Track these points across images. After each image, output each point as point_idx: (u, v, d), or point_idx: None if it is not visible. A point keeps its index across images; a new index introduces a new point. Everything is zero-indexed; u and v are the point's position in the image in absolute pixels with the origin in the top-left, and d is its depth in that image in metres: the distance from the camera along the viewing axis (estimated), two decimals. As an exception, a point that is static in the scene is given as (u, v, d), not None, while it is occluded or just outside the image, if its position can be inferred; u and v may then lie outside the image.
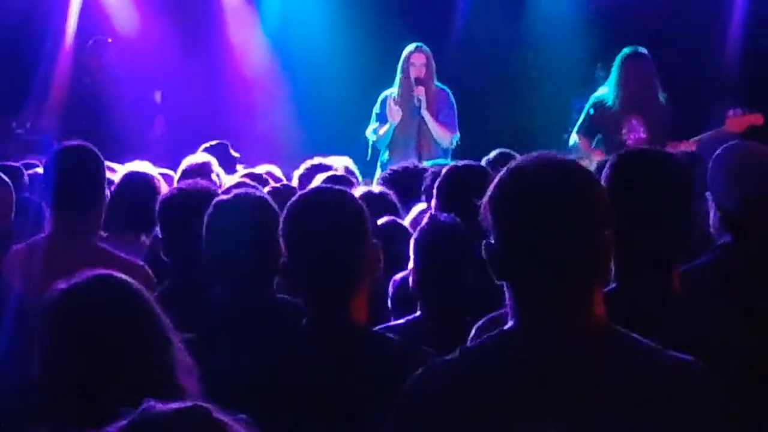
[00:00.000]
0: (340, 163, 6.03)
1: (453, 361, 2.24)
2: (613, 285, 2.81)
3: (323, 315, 2.85)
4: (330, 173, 5.33)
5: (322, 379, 2.78)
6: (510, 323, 2.24)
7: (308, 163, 5.93)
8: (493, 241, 2.23)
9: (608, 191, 2.82)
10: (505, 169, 2.25)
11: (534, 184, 2.19)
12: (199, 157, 5.43)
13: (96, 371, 2.35)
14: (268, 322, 3.21)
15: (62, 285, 2.44)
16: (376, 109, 8.47)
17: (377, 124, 8.43)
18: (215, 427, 1.81)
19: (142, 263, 4.06)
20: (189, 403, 1.84)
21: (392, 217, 4.36)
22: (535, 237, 2.16)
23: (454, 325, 3.47)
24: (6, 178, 4.03)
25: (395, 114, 8.28)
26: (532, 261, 2.18)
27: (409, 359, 2.73)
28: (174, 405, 1.83)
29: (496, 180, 2.24)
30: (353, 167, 6.19)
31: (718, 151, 3.79)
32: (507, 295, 2.25)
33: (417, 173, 5.36)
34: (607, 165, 2.97)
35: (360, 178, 6.03)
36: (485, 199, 2.24)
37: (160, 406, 1.82)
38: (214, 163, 5.40)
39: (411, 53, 8.35)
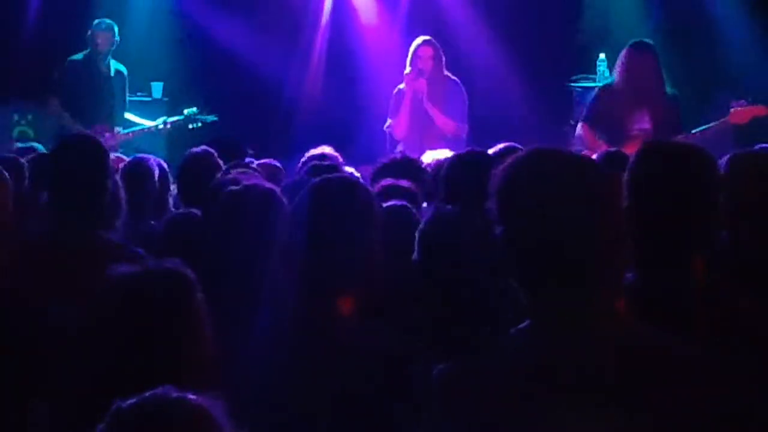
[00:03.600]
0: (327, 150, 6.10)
1: (476, 362, 2.25)
2: (633, 275, 2.81)
3: (319, 304, 2.87)
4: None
5: (317, 366, 2.82)
6: (527, 322, 2.22)
7: (306, 156, 5.95)
8: (502, 237, 2.20)
9: (634, 180, 2.89)
10: (509, 164, 2.22)
11: (542, 180, 2.16)
12: (201, 148, 5.48)
13: (136, 360, 2.38)
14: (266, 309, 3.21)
15: (129, 271, 2.48)
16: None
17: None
18: (186, 412, 1.88)
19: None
20: (159, 393, 1.90)
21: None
22: (545, 234, 2.13)
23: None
24: (3, 171, 4.07)
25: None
26: (542, 258, 2.14)
27: (400, 350, 2.81)
28: (148, 398, 1.89)
29: (502, 176, 2.21)
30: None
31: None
32: (521, 292, 2.22)
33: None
34: (635, 155, 2.97)
35: None
36: (492, 194, 2.22)
37: (128, 404, 1.88)
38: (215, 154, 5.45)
39: (418, 46, 8.34)
